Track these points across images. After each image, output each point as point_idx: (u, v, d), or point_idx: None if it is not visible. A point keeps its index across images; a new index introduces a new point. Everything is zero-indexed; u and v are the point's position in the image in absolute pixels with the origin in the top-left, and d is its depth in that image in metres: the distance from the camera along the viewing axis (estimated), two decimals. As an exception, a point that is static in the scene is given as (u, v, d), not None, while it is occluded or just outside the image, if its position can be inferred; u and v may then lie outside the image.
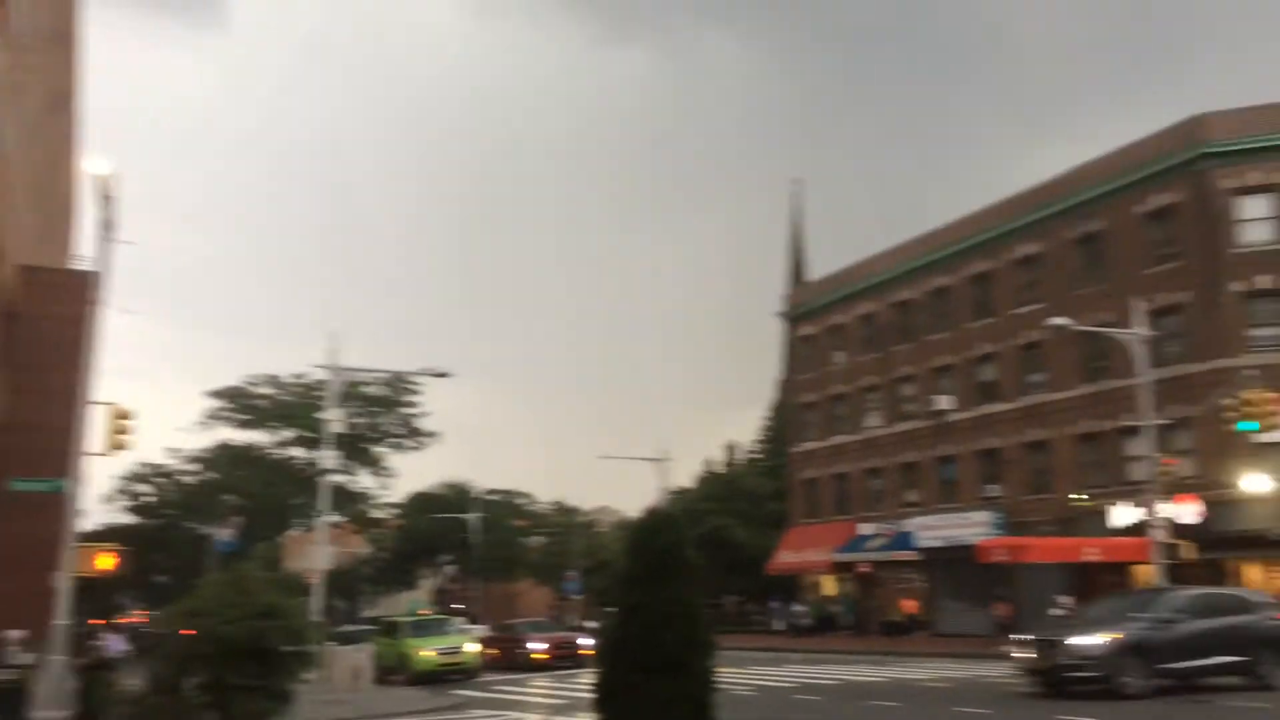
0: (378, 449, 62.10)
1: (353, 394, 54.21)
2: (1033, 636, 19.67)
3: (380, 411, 61.41)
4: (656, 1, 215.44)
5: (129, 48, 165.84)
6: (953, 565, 41.66)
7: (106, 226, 20.01)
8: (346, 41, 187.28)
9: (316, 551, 30.33)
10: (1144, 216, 37.37)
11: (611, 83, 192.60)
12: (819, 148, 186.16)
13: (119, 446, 21.37)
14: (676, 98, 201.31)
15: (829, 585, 52.46)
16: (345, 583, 63.05)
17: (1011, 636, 20.73)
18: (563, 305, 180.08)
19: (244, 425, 59.87)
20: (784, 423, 60.59)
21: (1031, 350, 41.43)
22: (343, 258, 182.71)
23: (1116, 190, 38.26)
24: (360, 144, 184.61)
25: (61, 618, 18.56)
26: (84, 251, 29.65)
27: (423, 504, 72.50)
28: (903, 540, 44.76)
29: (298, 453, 59.97)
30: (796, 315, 56.67)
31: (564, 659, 31.90)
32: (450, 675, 29.02)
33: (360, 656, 25.70)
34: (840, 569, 49.70)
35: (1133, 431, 32.41)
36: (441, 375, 34.81)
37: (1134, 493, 32.12)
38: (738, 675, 24.41)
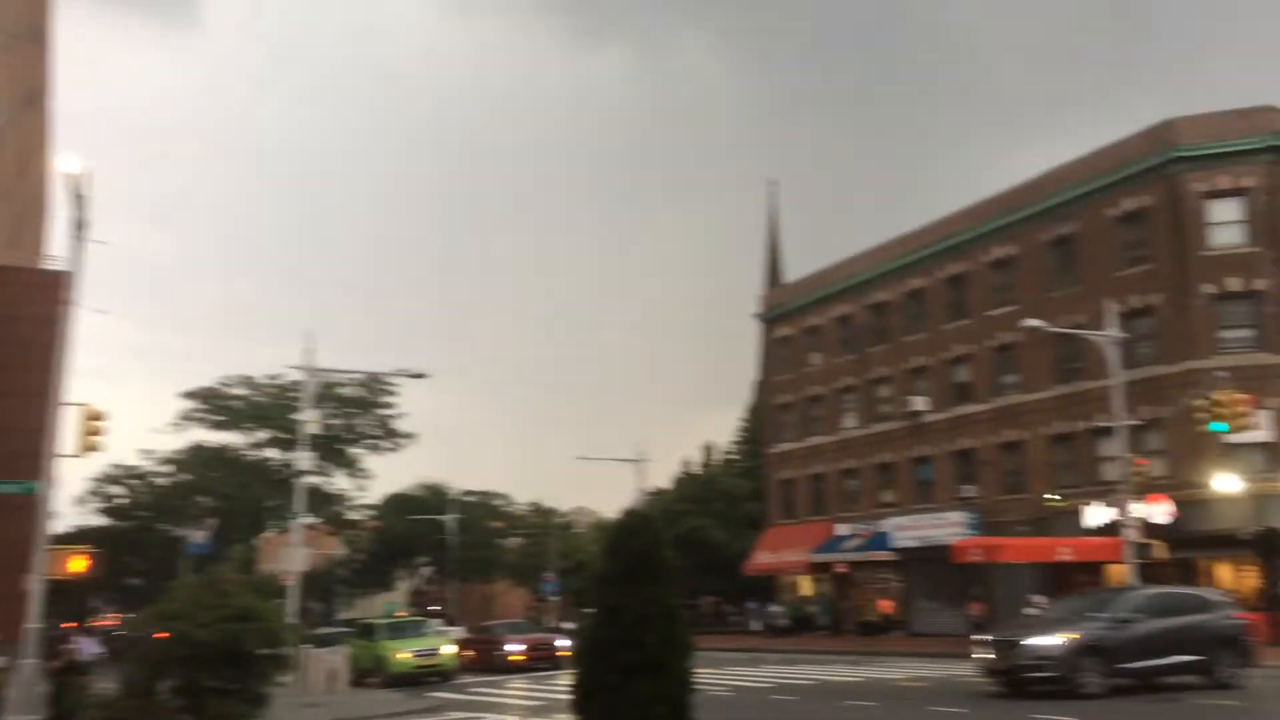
0: (354, 450, 61.67)
1: (328, 395, 53.90)
2: (993, 637, 19.81)
3: (356, 412, 61.02)
4: (633, 2, 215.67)
5: (101, 47, 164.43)
6: (928, 565, 41.95)
7: (78, 226, 19.84)
8: (321, 41, 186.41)
9: (292, 553, 30.14)
10: (1116, 219, 37.74)
11: (588, 83, 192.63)
12: (795, 148, 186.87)
13: (91, 448, 21.18)
14: (654, 98, 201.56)
15: (806, 586, 52.67)
16: (321, 585, 62.68)
17: (973, 637, 20.88)
18: (541, 305, 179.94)
19: (218, 426, 59.34)
20: (761, 423, 60.76)
21: (1005, 352, 41.76)
22: (318, 258, 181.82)
23: (1089, 193, 38.62)
24: (335, 144, 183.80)
25: (33, 621, 18.36)
26: (56, 251, 29.35)
27: (399, 505, 72.19)
28: (879, 540, 44.99)
29: (273, 454, 59.49)
30: (773, 317, 56.85)
31: (541, 660, 31.87)
32: (427, 677, 28.90)
33: (336, 659, 25.60)
34: (817, 569, 49.90)
35: (1105, 432, 32.73)
36: (418, 376, 34.72)
37: (1106, 493, 32.44)
38: (715, 676, 24.47)
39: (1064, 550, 34.84)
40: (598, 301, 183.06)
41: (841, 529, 48.43)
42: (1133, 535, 28.23)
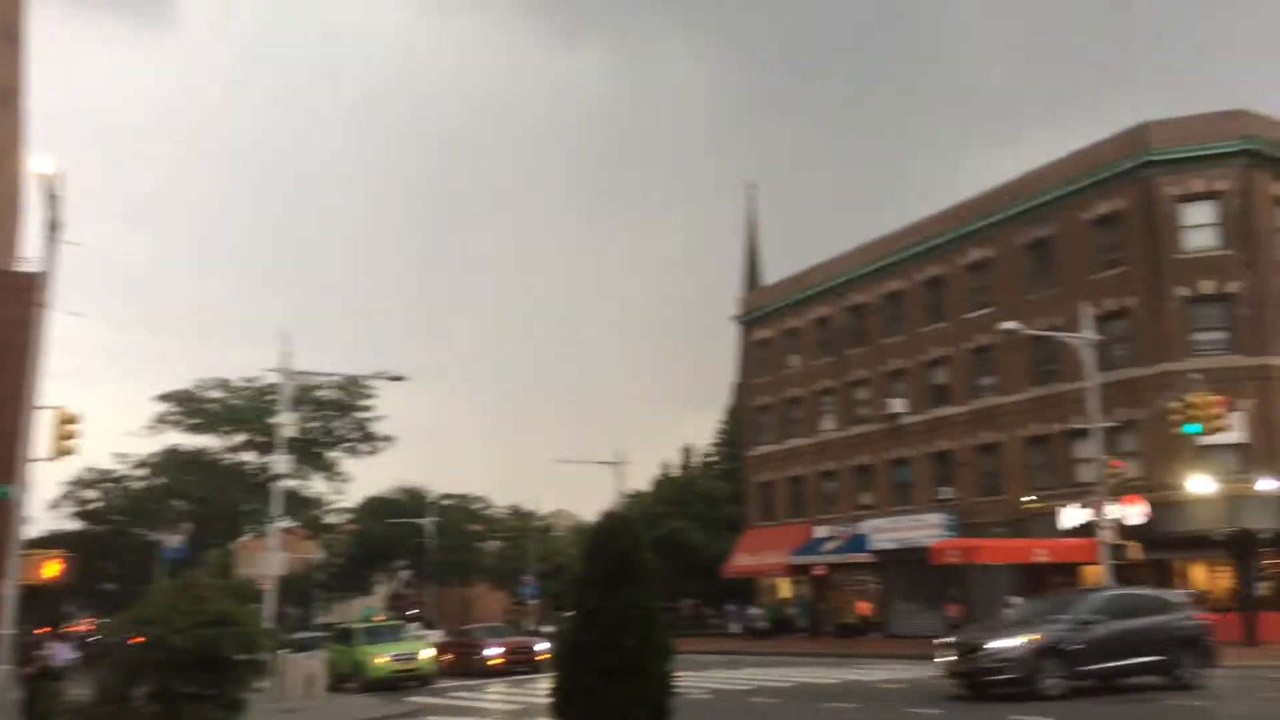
0: (331, 453, 61.31)
1: (305, 398, 53.57)
2: (955, 639, 19.86)
3: (334, 415, 60.67)
4: (612, 2, 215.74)
5: (74, 46, 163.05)
6: (906, 567, 42.10)
7: (52, 227, 19.65)
8: (297, 40, 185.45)
9: (269, 557, 29.98)
10: (1091, 222, 38.02)
11: (567, 81, 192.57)
12: (774, 148, 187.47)
13: (65, 451, 20.98)
14: (633, 97, 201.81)
15: (784, 588, 52.78)
16: (298, 589, 62.26)
17: (934, 641, 20.94)
18: (520, 303, 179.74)
19: (193, 430, 58.87)
20: (740, 426, 60.87)
21: (983, 354, 42.00)
22: (294, 258, 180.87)
23: (1065, 196, 38.90)
24: (311, 143, 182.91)
25: (6, 626, 18.18)
26: (29, 253, 29.04)
27: (377, 509, 71.85)
28: (857, 543, 45.13)
29: (249, 458, 59.04)
30: (752, 319, 56.98)
31: (520, 664, 31.77)
32: (405, 682, 28.74)
33: (313, 664, 25.46)
34: (795, 571, 50.02)
35: (1081, 434, 32.95)
36: (397, 379, 34.64)
37: (1082, 494, 32.66)
38: (694, 678, 24.46)
39: (1040, 552, 35.06)
40: (577, 299, 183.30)
41: (820, 531, 48.56)
42: (1108, 536, 28.44)
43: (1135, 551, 30.59)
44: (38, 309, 19.78)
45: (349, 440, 61.48)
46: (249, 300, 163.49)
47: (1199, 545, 33.36)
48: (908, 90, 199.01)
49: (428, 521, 65.96)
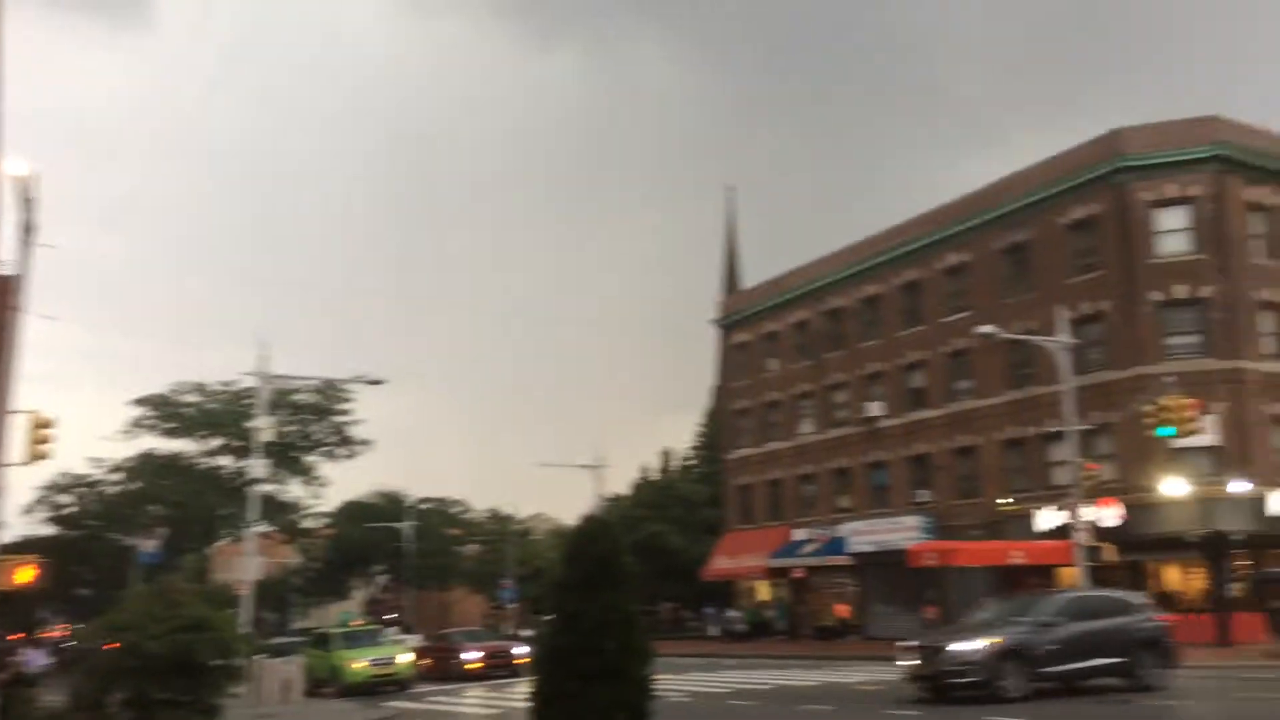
0: (309, 457, 61.00)
1: (282, 401, 53.30)
2: (918, 642, 19.85)
3: (311, 419, 60.37)
4: (589, 4, 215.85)
5: (49, 48, 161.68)
6: (884, 569, 42.30)
7: (26, 229, 19.50)
8: (275, 40, 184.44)
9: (245, 562, 29.77)
10: (1067, 227, 38.35)
11: (544, 83, 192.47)
12: (751, 150, 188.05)
13: (39, 456, 20.79)
14: (609, 99, 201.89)
15: (763, 591, 52.91)
16: (275, 594, 61.91)
17: (897, 644, 20.95)
18: (498, 302, 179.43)
19: (169, 434, 58.46)
20: (719, 429, 60.99)
21: (959, 358, 42.26)
22: (271, 258, 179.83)
23: (1041, 201, 39.21)
24: (289, 143, 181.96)
25: (-22, 633, 18.00)
26: (2, 256, 28.75)
27: (355, 513, 71.53)
28: (835, 545, 45.30)
29: (226, 462, 58.68)
30: (731, 322, 57.13)
31: (499, 668, 31.68)
32: (383, 686, 28.63)
33: (290, 669, 25.31)
34: (774, 574, 50.15)
35: (1056, 437, 33.20)
36: (375, 383, 34.51)
37: (1058, 497, 32.94)
38: (673, 681, 24.48)
39: (1016, 554, 35.33)
40: (555, 298, 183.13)
41: (798, 534, 48.71)
42: (1083, 538, 28.68)
43: (1110, 553, 30.80)
44: (12, 312, 19.61)
45: (326, 444, 61.19)
46: (226, 301, 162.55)
47: (1173, 547, 33.68)
48: (886, 92, 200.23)
49: (406, 525, 65.73)
